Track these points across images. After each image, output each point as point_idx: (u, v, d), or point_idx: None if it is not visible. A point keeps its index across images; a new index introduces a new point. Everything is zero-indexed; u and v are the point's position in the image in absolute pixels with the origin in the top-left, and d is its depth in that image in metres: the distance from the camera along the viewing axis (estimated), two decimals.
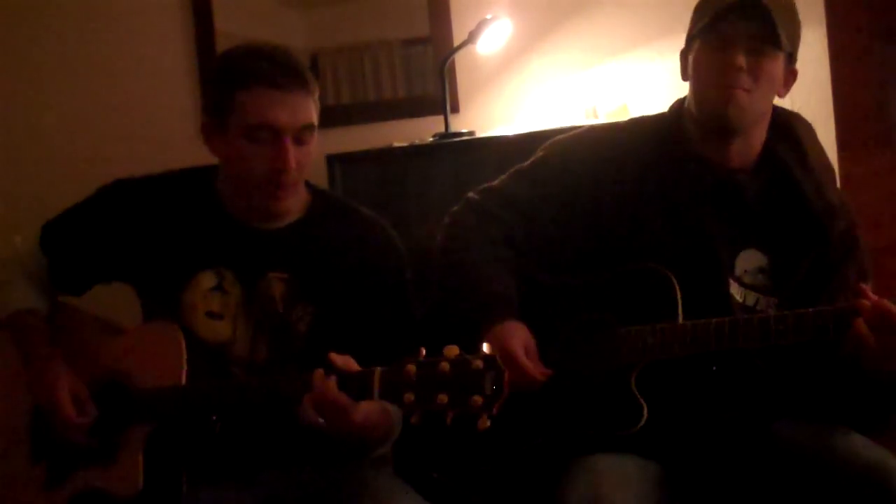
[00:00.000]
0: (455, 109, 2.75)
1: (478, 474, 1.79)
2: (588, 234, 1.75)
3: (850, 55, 2.74)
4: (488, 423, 1.34)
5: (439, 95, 2.65)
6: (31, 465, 1.72)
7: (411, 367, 1.38)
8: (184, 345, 1.65)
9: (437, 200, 1.92)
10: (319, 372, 1.48)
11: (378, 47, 2.88)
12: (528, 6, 2.74)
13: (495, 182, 1.86)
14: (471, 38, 2.61)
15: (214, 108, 1.69)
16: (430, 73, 2.80)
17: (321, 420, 1.49)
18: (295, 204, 1.78)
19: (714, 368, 1.65)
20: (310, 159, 1.71)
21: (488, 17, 2.61)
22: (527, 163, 1.86)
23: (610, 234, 1.73)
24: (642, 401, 1.61)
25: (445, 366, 1.35)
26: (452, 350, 1.37)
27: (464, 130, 2.64)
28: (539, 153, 1.86)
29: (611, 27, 2.71)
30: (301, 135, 1.67)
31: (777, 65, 1.67)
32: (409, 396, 1.37)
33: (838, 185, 2.13)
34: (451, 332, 1.71)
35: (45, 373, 1.69)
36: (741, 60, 1.63)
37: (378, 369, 1.43)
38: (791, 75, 1.73)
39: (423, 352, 1.40)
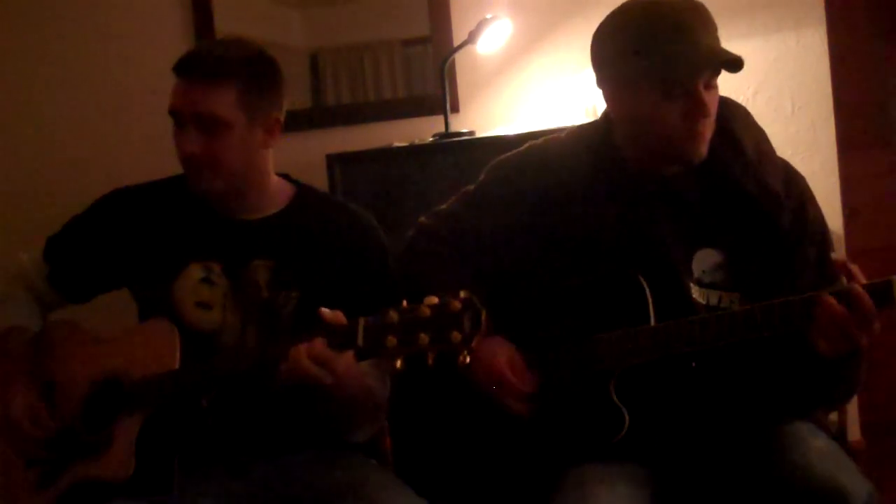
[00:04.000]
0: (455, 109, 2.75)
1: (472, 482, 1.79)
2: (544, 249, 1.72)
3: (850, 55, 2.74)
4: (468, 360, 1.39)
5: (439, 95, 2.65)
6: (25, 469, 1.74)
7: (393, 314, 1.42)
8: (178, 336, 1.68)
9: (437, 200, 1.91)
10: (302, 347, 1.50)
11: (378, 47, 2.88)
12: (528, 6, 2.74)
13: (444, 206, 1.86)
14: (471, 38, 2.61)
15: None
16: (430, 73, 2.80)
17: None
18: (277, 196, 1.83)
19: (693, 365, 1.63)
20: (225, 153, 1.72)
21: (488, 17, 2.61)
22: (473, 185, 1.84)
23: (565, 247, 1.70)
24: (623, 408, 1.61)
25: (426, 310, 1.40)
26: (432, 299, 1.41)
27: (464, 130, 2.64)
28: (484, 175, 1.83)
29: None
30: (204, 124, 1.70)
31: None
32: (392, 340, 1.41)
33: (835, 180, 2.10)
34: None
35: (4, 392, 1.73)
36: (711, 106, 1.58)
37: (362, 318, 1.47)
38: None
39: (405, 302, 1.44)
